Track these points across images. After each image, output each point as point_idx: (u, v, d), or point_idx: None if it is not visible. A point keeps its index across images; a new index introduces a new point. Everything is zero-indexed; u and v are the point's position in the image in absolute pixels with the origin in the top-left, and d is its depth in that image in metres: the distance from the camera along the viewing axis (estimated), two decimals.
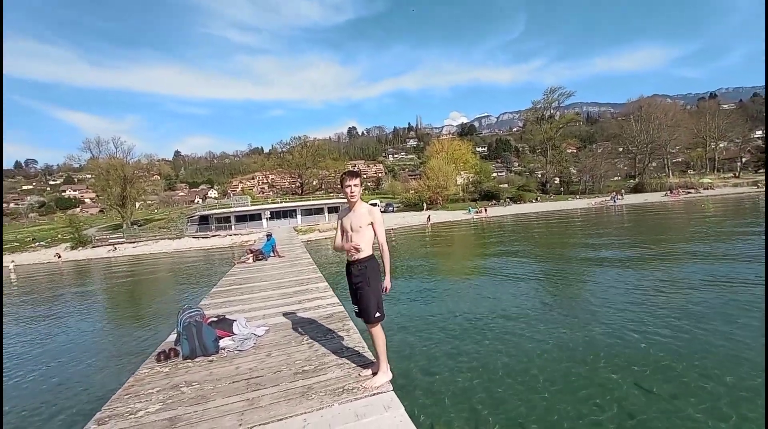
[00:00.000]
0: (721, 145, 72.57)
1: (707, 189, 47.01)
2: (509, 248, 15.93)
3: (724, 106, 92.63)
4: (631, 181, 63.22)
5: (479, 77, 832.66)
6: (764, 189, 25.27)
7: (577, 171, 67.23)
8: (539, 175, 73.93)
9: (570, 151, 78.83)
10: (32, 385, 5.86)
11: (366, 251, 2.87)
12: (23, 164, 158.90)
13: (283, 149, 75.36)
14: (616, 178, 66.23)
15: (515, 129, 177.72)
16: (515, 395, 4.22)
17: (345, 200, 3.01)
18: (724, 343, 4.98)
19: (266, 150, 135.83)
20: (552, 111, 69.81)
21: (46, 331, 9.06)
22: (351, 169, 3.12)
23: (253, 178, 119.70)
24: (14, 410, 5.00)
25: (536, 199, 54.25)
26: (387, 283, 2.86)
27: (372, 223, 2.87)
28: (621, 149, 71.04)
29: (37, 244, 40.47)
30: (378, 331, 2.84)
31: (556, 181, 67.45)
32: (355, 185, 2.88)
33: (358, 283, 2.85)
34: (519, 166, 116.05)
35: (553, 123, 68.07)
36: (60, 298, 13.78)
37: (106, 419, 2.62)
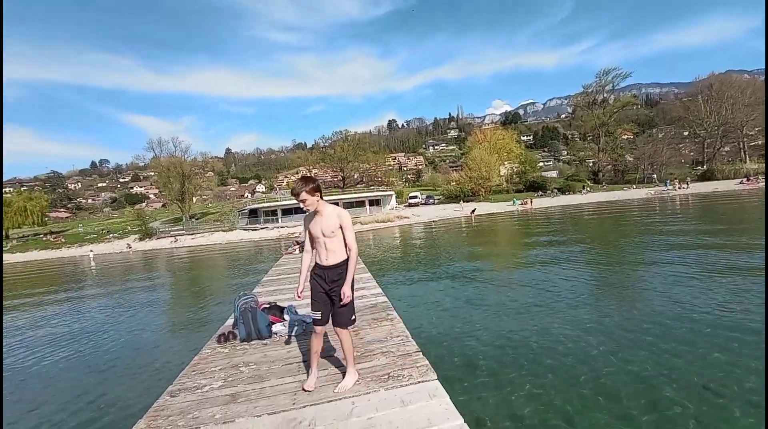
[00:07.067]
0: None
1: None
2: (558, 246, 15.21)
3: None
4: (699, 168, 57.20)
5: (523, 63, 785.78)
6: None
7: (633, 158, 61.98)
8: (590, 164, 69.23)
9: (626, 137, 72.58)
10: (112, 360, 6.62)
11: (342, 255, 2.80)
12: (97, 164, 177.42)
13: (325, 144, 77.28)
14: (680, 166, 60.11)
15: (563, 116, 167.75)
16: (561, 393, 4.08)
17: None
18: None
19: (309, 145, 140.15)
20: (605, 94, 64.51)
21: (121, 314, 10.13)
22: (303, 176, 2.93)
23: (297, 173, 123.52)
24: (98, 380, 5.68)
25: (585, 189, 50.71)
26: (346, 289, 2.71)
27: (341, 227, 2.76)
28: (686, 133, 64.18)
29: (111, 235, 45.17)
30: (348, 334, 2.84)
31: (609, 170, 62.63)
32: (302, 201, 2.69)
33: (336, 287, 2.77)
34: (568, 154, 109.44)
35: (606, 108, 62.92)
36: (132, 284, 15.30)
37: (177, 392, 2.92)
